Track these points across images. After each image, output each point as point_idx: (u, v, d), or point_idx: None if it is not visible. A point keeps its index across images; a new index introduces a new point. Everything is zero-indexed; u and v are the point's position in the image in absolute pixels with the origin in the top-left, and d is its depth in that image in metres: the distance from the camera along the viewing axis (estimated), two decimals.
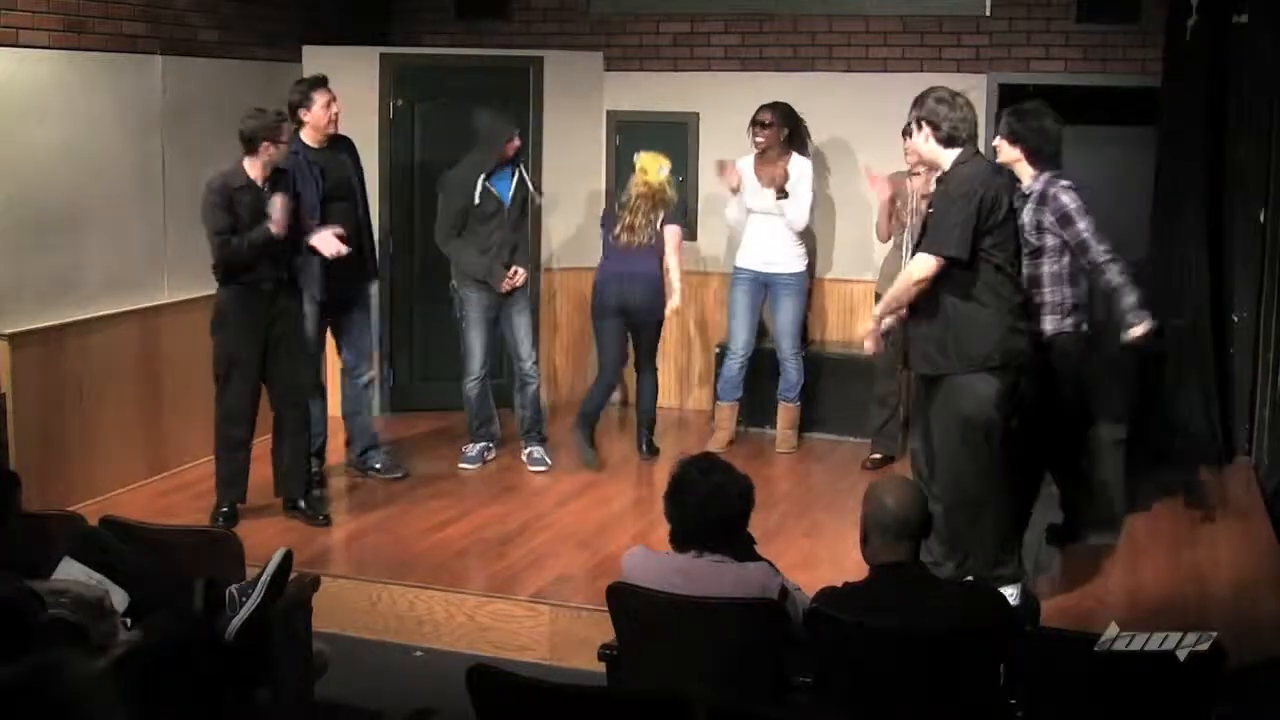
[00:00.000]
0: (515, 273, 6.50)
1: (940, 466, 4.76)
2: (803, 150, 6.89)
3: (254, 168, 5.52)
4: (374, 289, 6.52)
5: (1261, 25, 6.60)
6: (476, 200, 6.45)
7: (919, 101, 4.72)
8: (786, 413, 7.15)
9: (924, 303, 4.67)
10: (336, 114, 6.08)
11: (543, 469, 6.69)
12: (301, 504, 5.83)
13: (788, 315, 6.96)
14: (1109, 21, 7.19)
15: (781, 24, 7.72)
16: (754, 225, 6.91)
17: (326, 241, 5.80)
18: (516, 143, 6.57)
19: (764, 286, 6.94)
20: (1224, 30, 6.70)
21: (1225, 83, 6.78)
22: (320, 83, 6.08)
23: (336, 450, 6.65)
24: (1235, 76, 6.75)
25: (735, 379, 7.08)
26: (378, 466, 6.49)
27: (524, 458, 6.74)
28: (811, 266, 7.28)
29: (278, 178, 5.60)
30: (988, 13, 7.39)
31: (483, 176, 6.45)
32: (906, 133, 6.43)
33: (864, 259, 7.42)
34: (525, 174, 6.65)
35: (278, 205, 5.46)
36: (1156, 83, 6.94)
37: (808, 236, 7.09)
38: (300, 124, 5.98)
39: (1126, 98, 7.26)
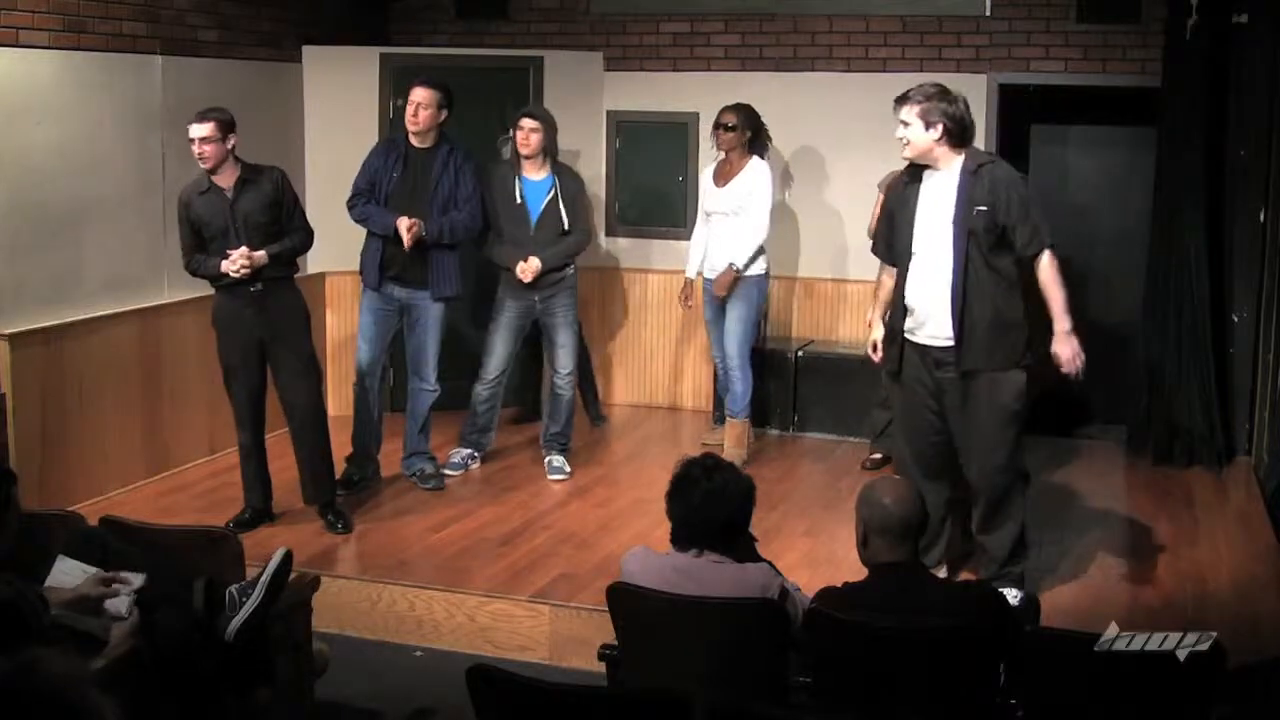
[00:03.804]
0: (528, 259, 6.31)
1: (979, 461, 4.86)
2: (762, 153, 6.75)
3: (218, 174, 5.47)
4: (434, 309, 6.15)
5: (1261, 25, 6.60)
6: (517, 199, 6.39)
7: (926, 98, 4.71)
8: (732, 429, 6.83)
9: (978, 300, 4.73)
10: (415, 115, 6.02)
11: (562, 477, 6.57)
12: (328, 514, 5.77)
13: (733, 319, 6.69)
14: (1109, 21, 7.19)
15: (781, 24, 7.72)
16: (710, 230, 6.80)
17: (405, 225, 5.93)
18: (519, 134, 6.34)
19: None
20: (1224, 30, 6.70)
21: (1225, 83, 6.78)
22: (416, 83, 6.11)
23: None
24: (1235, 76, 6.75)
25: (723, 383, 7.01)
26: (415, 473, 6.43)
27: (545, 464, 6.66)
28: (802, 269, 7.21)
29: (247, 185, 5.45)
30: (988, 13, 7.39)
31: (514, 176, 6.41)
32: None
33: (866, 260, 7.41)
34: (561, 195, 6.39)
35: (237, 258, 5.36)
36: (1156, 83, 6.94)
37: (770, 239, 6.82)
38: None
39: (1126, 98, 7.27)
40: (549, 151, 6.42)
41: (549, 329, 6.59)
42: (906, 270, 4.88)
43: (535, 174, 6.42)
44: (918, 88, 4.81)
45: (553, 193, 6.40)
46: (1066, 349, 4.75)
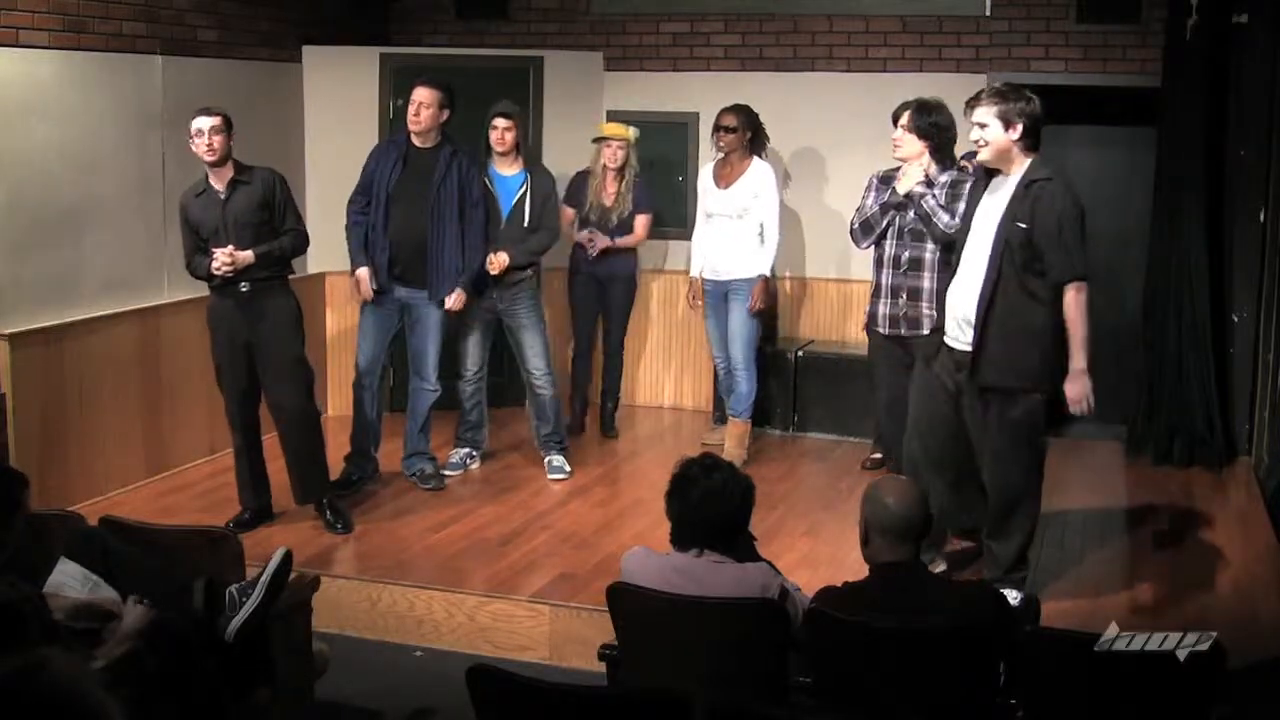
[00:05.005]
0: (496, 254, 6.30)
1: (989, 471, 4.86)
2: (761, 152, 6.78)
3: (212, 174, 5.47)
4: (434, 311, 6.19)
5: (1261, 25, 6.60)
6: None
7: (1002, 98, 4.65)
8: (734, 429, 6.84)
9: (1003, 314, 4.67)
10: (417, 115, 6.03)
11: (562, 477, 6.56)
12: (327, 513, 5.77)
13: (738, 320, 6.72)
14: (1109, 21, 7.19)
15: (781, 24, 7.72)
16: (711, 231, 6.79)
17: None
18: (493, 132, 6.36)
19: (724, 295, 6.78)
20: (1224, 30, 6.71)
21: (1225, 83, 6.78)
22: (418, 82, 6.12)
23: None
24: (1235, 76, 6.75)
25: (724, 384, 7.01)
26: (415, 473, 6.42)
27: (545, 464, 6.65)
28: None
29: (239, 186, 5.45)
30: (988, 13, 7.40)
31: (485, 170, 6.41)
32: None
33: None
34: (531, 193, 6.41)
35: (219, 255, 5.36)
36: (1156, 83, 6.94)
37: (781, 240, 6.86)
38: None
39: (1126, 98, 7.26)
40: (521, 148, 6.49)
41: (515, 332, 6.58)
42: (955, 270, 4.88)
43: (507, 170, 6.46)
44: (988, 89, 4.77)
45: (524, 189, 6.43)
46: (1076, 387, 4.65)
